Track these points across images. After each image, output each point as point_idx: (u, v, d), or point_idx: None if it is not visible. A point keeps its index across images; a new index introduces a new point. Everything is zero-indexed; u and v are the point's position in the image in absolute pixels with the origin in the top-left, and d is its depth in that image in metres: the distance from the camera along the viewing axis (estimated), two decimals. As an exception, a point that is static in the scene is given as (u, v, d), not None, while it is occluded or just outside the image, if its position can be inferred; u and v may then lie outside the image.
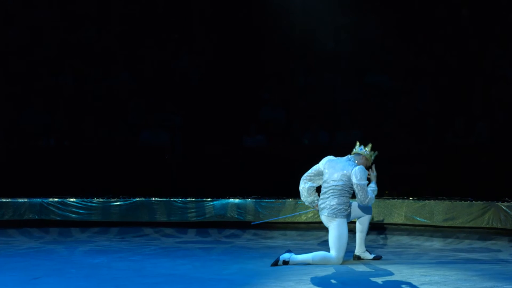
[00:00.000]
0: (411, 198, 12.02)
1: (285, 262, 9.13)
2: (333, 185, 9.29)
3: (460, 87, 14.86)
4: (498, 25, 15.77)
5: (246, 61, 16.11)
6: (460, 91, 14.81)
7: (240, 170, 13.97)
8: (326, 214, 9.31)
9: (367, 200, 9.22)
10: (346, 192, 9.30)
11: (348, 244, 9.38)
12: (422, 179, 13.18)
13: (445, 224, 11.66)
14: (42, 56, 16.08)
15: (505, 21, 15.77)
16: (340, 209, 9.27)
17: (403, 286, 7.84)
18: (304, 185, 9.52)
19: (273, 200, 12.50)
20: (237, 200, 12.61)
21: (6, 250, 11.00)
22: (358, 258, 9.70)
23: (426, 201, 11.84)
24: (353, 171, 9.23)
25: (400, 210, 11.92)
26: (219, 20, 16.78)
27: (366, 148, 9.56)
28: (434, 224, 11.75)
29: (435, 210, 11.68)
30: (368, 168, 9.49)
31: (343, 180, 9.27)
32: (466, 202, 11.68)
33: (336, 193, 9.29)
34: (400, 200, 11.99)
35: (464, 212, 11.61)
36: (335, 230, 9.25)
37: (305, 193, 9.53)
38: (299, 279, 8.25)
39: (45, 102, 15.42)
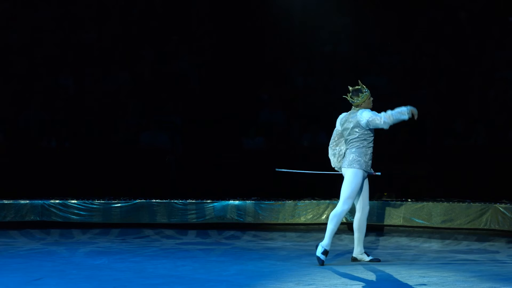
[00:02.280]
0: (409, 200, 12.06)
1: (325, 252, 9.32)
2: (350, 139, 9.43)
3: (459, 89, 14.90)
4: (497, 27, 15.82)
5: (245, 63, 16.15)
6: (459, 93, 14.85)
7: (240, 172, 14.02)
8: (344, 166, 9.45)
9: (382, 121, 9.28)
10: (364, 141, 9.41)
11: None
12: (421, 181, 13.23)
13: (443, 225, 11.70)
14: (42, 57, 16.13)
15: (503, 23, 15.82)
16: (357, 160, 9.38)
17: (401, 287, 7.89)
18: (331, 151, 9.63)
19: (273, 202, 12.54)
20: (237, 202, 12.65)
21: (7, 251, 11.04)
22: (355, 259, 9.73)
23: (425, 203, 11.88)
24: (358, 120, 9.41)
25: (399, 212, 11.97)
26: (219, 21, 16.83)
27: (360, 93, 9.62)
28: (432, 225, 11.78)
29: (433, 212, 11.72)
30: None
31: (357, 132, 9.41)
32: (464, 204, 11.71)
33: (354, 145, 9.42)
34: (399, 202, 12.03)
35: (462, 213, 11.64)
36: (346, 178, 9.41)
37: (333, 159, 9.63)
38: (299, 280, 8.31)
39: (45, 103, 15.47)
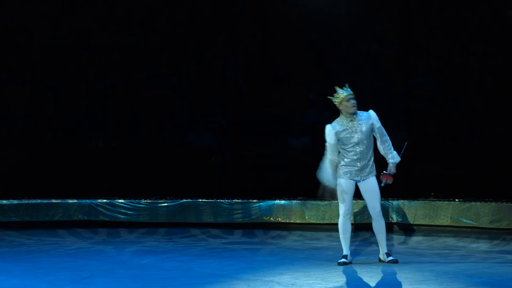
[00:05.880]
0: (457, 200, 11.96)
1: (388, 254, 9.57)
2: (367, 145, 9.51)
3: (506, 88, 14.73)
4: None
5: (291, 62, 16.14)
6: (505, 92, 14.67)
7: (286, 172, 14.00)
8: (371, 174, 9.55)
9: None
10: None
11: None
12: (468, 181, 13.10)
13: (492, 226, 11.56)
14: (90, 58, 16.28)
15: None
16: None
17: (448, 287, 7.83)
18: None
19: (319, 202, 12.50)
20: (283, 202, 12.63)
21: (56, 250, 11.17)
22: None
23: (472, 203, 11.75)
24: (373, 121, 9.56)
25: (446, 212, 11.86)
26: (264, 22, 16.84)
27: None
28: (480, 226, 11.65)
29: (482, 212, 11.59)
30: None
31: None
32: (513, 204, 11.58)
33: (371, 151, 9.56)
34: (446, 202, 11.92)
35: (511, 213, 11.50)
36: (375, 185, 9.50)
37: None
38: (345, 280, 8.29)
39: (92, 103, 15.60)
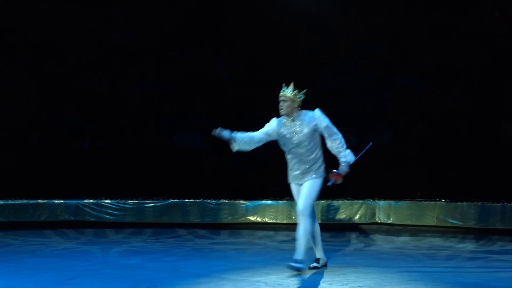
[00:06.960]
0: (443, 200, 12.00)
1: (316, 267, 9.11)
2: (309, 147, 8.91)
3: (493, 89, 14.79)
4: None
5: (278, 63, 16.15)
6: (492, 91, 14.73)
7: (273, 172, 14.01)
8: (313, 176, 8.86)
9: None
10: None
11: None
12: (455, 181, 13.15)
13: (478, 226, 11.62)
14: (76, 58, 16.25)
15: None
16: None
17: (435, 287, 7.85)
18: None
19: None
20: (269, 202, 12.64)
21: (42, 250, 11.14)
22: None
23: (459, 203, 11.81)
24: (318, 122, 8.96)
25: (433, 212, 11.90)
26: (252, 23, 16.84)
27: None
28: (466, 226, 11.71)
29: (468, 212, 11.64)
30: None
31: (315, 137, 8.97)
32: (498, 205, 11.63)
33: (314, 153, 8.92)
34: (433, 202, 11.97)
35: (496, 214, 11.55)
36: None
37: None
38: (332, 280, 8.30)
39: (79, 104, 15.57)
